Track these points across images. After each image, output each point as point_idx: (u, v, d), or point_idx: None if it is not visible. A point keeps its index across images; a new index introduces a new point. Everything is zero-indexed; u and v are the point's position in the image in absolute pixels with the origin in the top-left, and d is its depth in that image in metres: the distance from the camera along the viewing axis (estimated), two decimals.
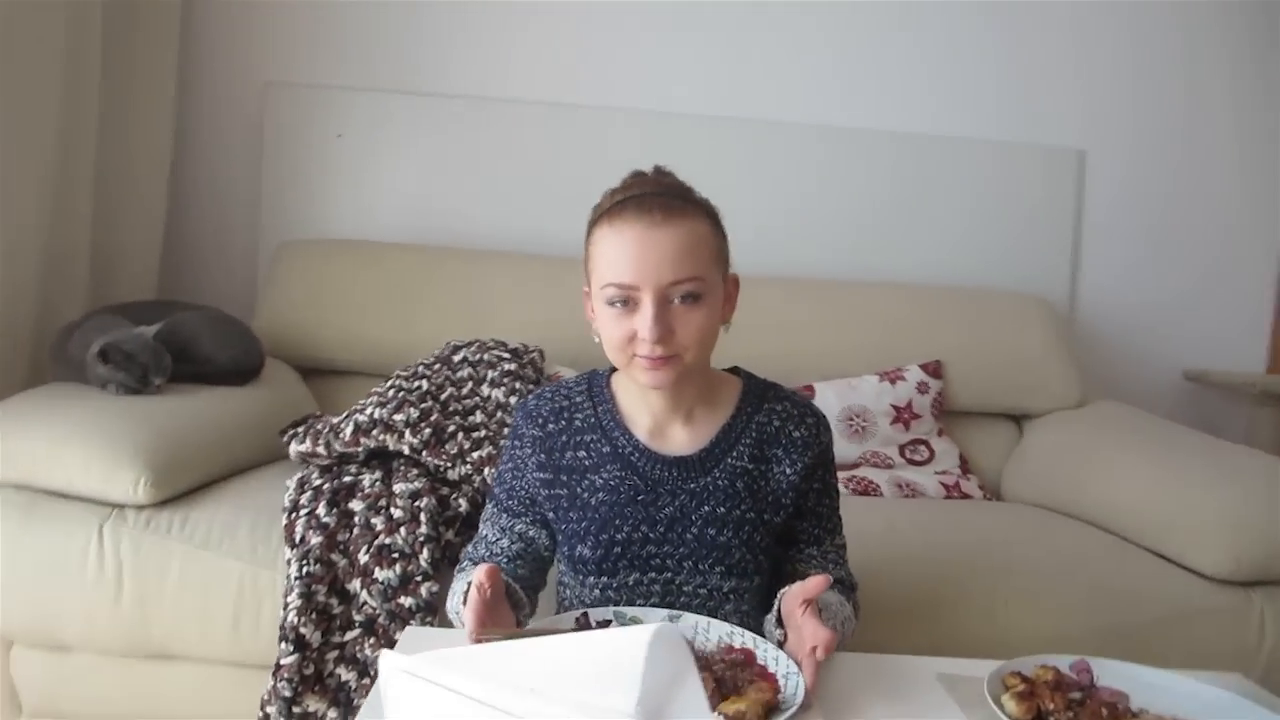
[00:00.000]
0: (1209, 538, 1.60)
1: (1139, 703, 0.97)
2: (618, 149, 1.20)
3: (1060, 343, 2.36)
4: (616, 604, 1.14)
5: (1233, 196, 2.72)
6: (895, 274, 2.51)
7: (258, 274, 2.39)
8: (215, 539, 1.50)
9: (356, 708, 1.33)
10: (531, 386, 1.73)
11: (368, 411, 1.57)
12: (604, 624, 1.04)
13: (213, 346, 1.88)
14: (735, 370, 1.24)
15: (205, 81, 2.42)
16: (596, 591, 1.15)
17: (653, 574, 1.14)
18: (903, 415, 2.18)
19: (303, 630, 1.37)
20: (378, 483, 1.50)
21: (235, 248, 2.47)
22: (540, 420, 1.18)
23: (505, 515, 1.20)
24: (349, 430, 1.54)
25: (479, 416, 1.62)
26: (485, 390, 1.70)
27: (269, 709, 1.38)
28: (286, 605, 1.39)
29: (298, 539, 1.43)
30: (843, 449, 2.13)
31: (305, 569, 1.39)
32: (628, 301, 1.06)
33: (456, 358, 1.78)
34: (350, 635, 1.39)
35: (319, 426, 1.59)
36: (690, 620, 1.08)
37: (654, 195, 1.09)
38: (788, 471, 1.16)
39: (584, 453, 1.16)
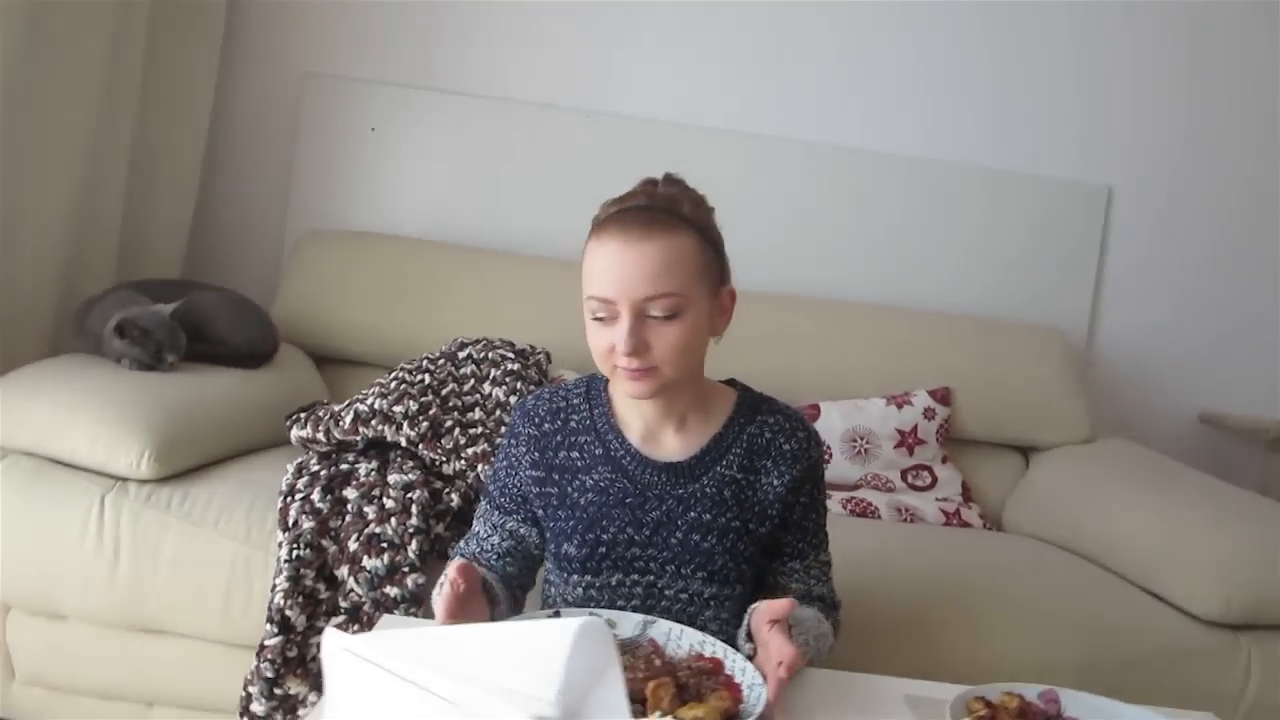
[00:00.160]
0: (1201, 578, 1.59)
1: None
2: (638, 158, 1.22)
3: (1072, 377, 2.34)
4: (599, 603, 1.15)
5: (1260, 240, 2.68)
6: (914, 299, 2.51)
7: (282, 261, 2.43)
8: (212, 517, 1.52)
9: None
10: (533, 387, 1.74)
11: (368, 401, 1.60)
12: None
13: (228, 328, 1.92)
14: (732, 382, 1.26)
15: (245, 69, 2.47)
16: (580, 590, 1.16)
17: (635, 576, 1.15)
18: (907, 440, 2.17)
19: (288, 613, 1.39)
20: (373, 472, 1.52)
21: (262, 234, 2.52)
22: (537, 420, 1.20)
23: (497, 512, 1.22)
24: (349, 419, 1.57)
25: (477, 414, 1.64)
26: (487, 388, 1.72)
27: (251, 689, 1.40)
28: (274, 587, 1.41)
29: (290, 522, 1.45)
30: (844, 470, 2.14)
31: (295, 553, 1.42)
32: (608, 314, 1.08)
33: (462, 354, 1.81)
34: (335, 621, 1.41)
35: (320, 413, 1.62)
36: (664, 627, 1.09)
37: (639, 210, 1.10)
38: (775, 483, 1.17)
39: (577, 453, 1.18)
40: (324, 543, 1.44)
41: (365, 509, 1.46)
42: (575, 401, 1.21)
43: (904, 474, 2.15)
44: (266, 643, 1.39)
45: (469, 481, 1.54)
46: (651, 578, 1.15)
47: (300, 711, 1.39)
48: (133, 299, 1.84)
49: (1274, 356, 2.72)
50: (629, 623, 1.09)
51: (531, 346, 1.94)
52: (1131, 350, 2.70)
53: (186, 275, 2.39)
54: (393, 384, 1.67)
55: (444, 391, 1.66)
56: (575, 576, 1.16)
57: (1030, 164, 2.60)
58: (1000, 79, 2.57)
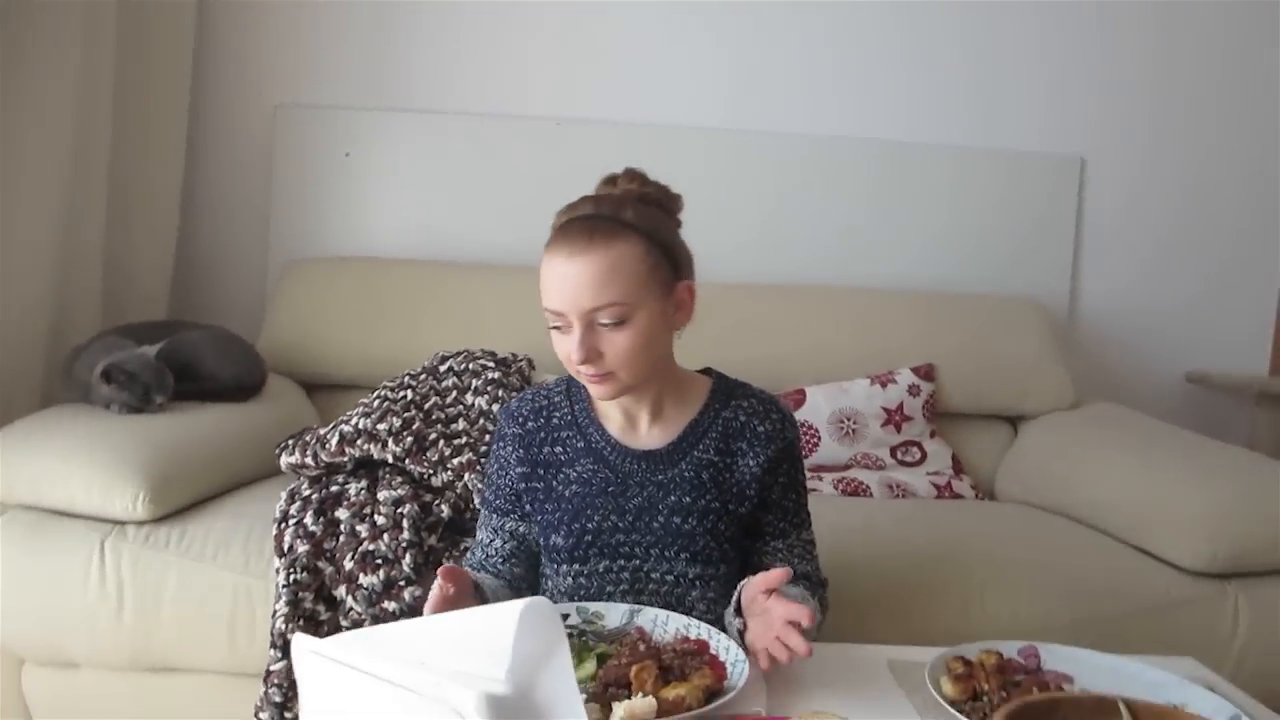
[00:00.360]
0: (1187, 532, 1.61)
1: (1083, 685, 0.99)
2: (609, 160, 1.25)
3: (1054, 345, 2.37)
4: (588, 590, 1.19)
5: (1235, 199, 2.71)
6: (894, 280, 2.53)
7: (266, 292, 2.46)
8: (211, 552, 1.54)
9: None
10: (515, 394, 1.77)
11: (353, 422, 1.62)
12: (561, 618, 1.07)
13: (215, 364, 1.94)
14: (708, 371, 1.29)
15: (216, 104, 2.50)
16: (569, 579, 1.20)
17: (621, 561, 1.19)
18: (894, 417, 2.19)
19: (290, 636, 1.41)
20: (363, 491, 1.55)
21: (245, 267, 2.54)
22: (520, 419, 1.25)
23: (495, 515, 1.26)
24: (335, 440, 1.60)
25: (461, 424, 1.67)
26: (469, 399, 1.75)
27: (262, 715, 1.43)
28: (275, 613, 1.43)
29: (286, 548, 1.48)
30: (833, 451, 2.16)
31: (292, 577, 1.44)
32: (562, 325, 1.12)
33: (443, 368, 1.83)
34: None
35: (307, 438, 1.65)
36: (650, 614, 1.12)
37: (582, 220, 1.13)
38: (751, 464, 1.21)
39: (560, 448, 1.22)
40: (320, 564, 1.47)
41: (358, 528, 1.48)
42: (557, 399, 1.26)
43: (893, 451, 2.18)
44: (271, 668, 1.42)
45: (458, 491, 1.56)
46: (637, 562, 1.19)
47: None
48: (118, 344, 1.86)
49: (1256, 313, 2.74)
50: (616, 613, 1.13)
51: (514, 355, 1.97)
52: (1115, 315, 2.72)
53: (172, 315, 2.41)
54: (376, 402, 1.69)
55: (427, 405, 1.69)
56: (564, 566, 1.20)
57: (1002, 139, 2.63)
58: (969, 57, 2.60)
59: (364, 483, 1.57)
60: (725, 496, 1.20)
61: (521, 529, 1.25)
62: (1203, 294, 2.72)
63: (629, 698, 0.90)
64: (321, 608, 1.45)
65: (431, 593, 0.99)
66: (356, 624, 1.44)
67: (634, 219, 1.14)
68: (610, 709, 0.88)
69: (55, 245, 2.02)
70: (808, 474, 2.05)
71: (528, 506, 1.24)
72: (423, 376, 1.80)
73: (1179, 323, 2.72)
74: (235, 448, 1.78)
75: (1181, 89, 2.66)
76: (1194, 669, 1.10)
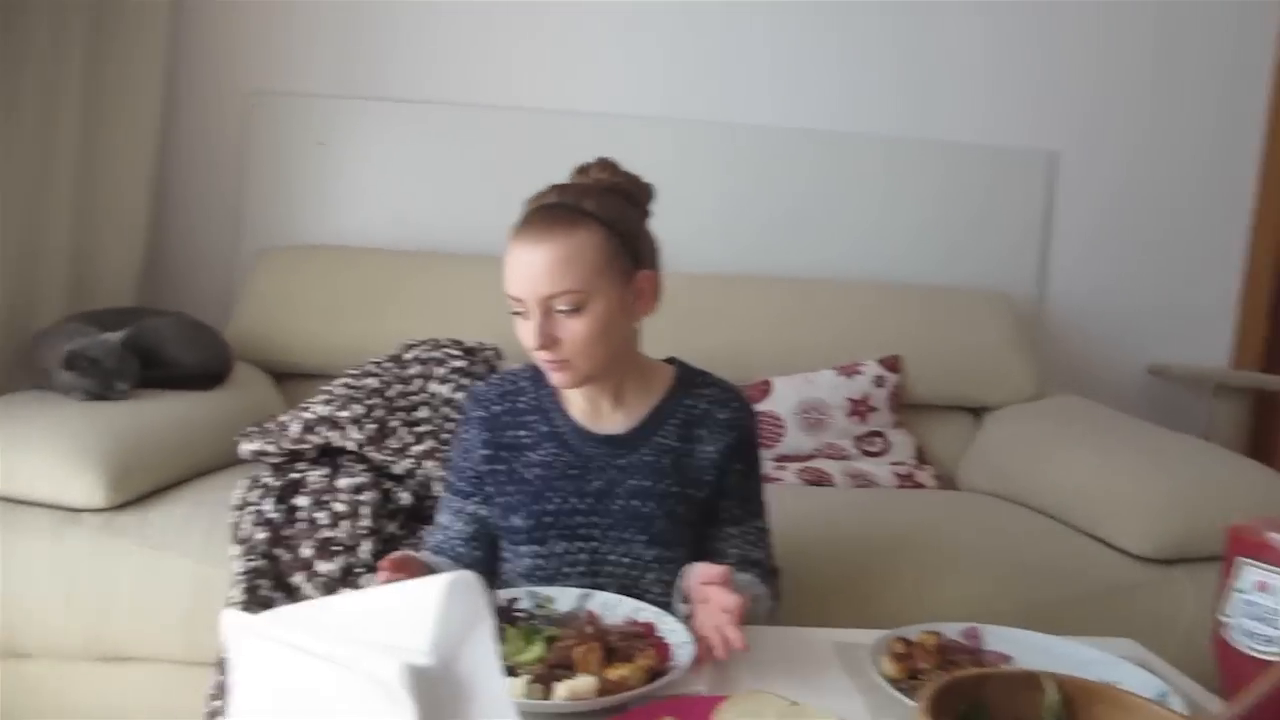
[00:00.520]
0: (1137, 518, 1.64)
1: (1021, 664, 1.01)
2: (579, 151, 1.26)
3: (1018, 337, 2.39)
4: (546, 572, 1.21)
5: (1200, 195, 2.75)
6: (864, 272, 2.55)
7: (237, 281, 2.45)
8: (169, 540, 1.54)
9: None
10: (473, 387, 1.77)
11: (314, 409, 1.62)
12: (511, 602, 1.08)
13: (180, 351, 1.94)
14: (672, 360, 1.31)
15: (191, 90, 2.48)
16: (528, 560, 1.22)
17: (580, 543, 1.21)
18: (859, 408, 2.21)
19: None
20: (324, 478, 1.55)
21: (217, 255, 2.52)
22: (486, 403, 1.27)
23: (457, 498, 1.28)
24: (295, 428, 1.60)
25: (424, 412, 1.68)
26: (433, 387, 1.75)
27: (215, 702, 1.43)
28: (230, 600, 1.43)
29: (242, 535, 1.48)
30: (798, 441, 2.18)
31: (250, 564, 1.44)
32: (523, 311, 1.14)
33: (408, 356, 1.84)
34: None
35: (269, 425, 1.65)
36: (601, 599, 1.13)
37: (543, 209, 1.16)
38: (710, 450, 1.23)
39: (524, 432, 1.24)
40: (277, 551, 1.47)
41: (316, 515, 1.49)
42: (523, 385, 1.28)
43: (857, 441, 2.20)
44: (226, 655, 1.42)
45: (419, 479, 1.57)
46: (595, 544, 1.21)
47: None
48: (82, 330, 1.85)
49: (1218, 307, 2.79)
50: (568, 598, 1.14)
51: (481, 344, 1.97)
52: (1081, 308, 2.76)
53: (141, 302, 2.39)
54: (338, 390, 1.69)
55: (389, 393, 1.69)
56: (523, 547, 1.22)
57: (977, 134, 2.65)
58: (945, 52, 2.62)
59: (325, 470, 1.57)
60: (684, 481, 1.22)
61: (482, 512, 1.26)
62: (1166, 288, 2.76)
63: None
64: (280, 595, 1.45)
65: (379, 579, 1.00)
66: None
67: (594, 208, 1.15)
68: (553, 689, 0.89)
69: (19, 228, 2.00)
70: (773, 464, 2.10)
71: (489, 489, 1.25)
72: (387, 364, 1.81)
73: (1142, 316, 2.77)
74: (198, 436, 1.78)
75: (1153, 87, 2.70)
76: (1132, 649, 1.12)
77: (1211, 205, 2.76)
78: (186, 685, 1.52)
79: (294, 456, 1.63)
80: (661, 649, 1.00)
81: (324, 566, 1.44)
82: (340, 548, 1.45)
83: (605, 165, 1.22)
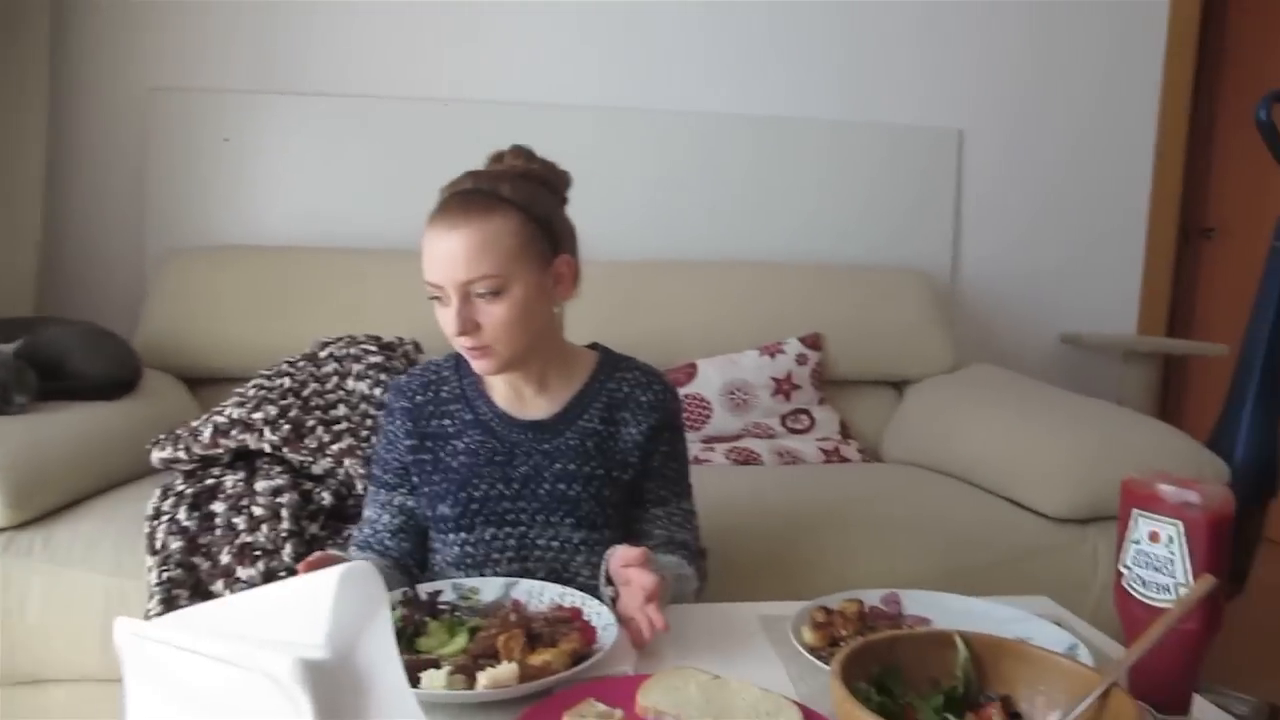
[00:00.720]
0: (1050, 481, 1.70)
1: (940, 626, 1.03)
2: (498, 141, 1.26)
3: (935, 312, 2.45)
4: (475, 559, 1.21)
5: (1104, 168, 2.85)
6: (783, 253, 2.59)
7: (144, 284, 2.37)
8: (78, 555, 1.48)
9: None
10: (395, 379, 1.75)
11: (226, 412, 1.58)
12: (433, 596, 1.07)
13: (82, 361, 1.86)
14: (595, 346, 1.32)
15: (84, 89, 2.39)
16: (456, 549, 1.22)
17: (508, 529, 1.21)
18: (783, 387, 2.24)
19: None
20: (240, 483, 1.51)
21: (120, 258, 2.44)
22: (409, 393, 1.26)
23: (383, 490, 1.27)
24: (207, 433, 1.55)
25: (342, 410, 1.64)
26: (350, 384, 1.72)
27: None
28: (148, 614, 1.39)
29: (158, 545, 1.43)
30: (725, 422, 2.20)
31: (165, 574, 1.40)
32: (442, 297, 1.14)
33: (323, 353, 1.80)
34: None
35: (180, 431, 1.60)
36: (526, 587, 1.12)
37: (459, 195, 1.16)
38: (634, 431, 1.24)
39: (448, 421, 1.24)
40: (195, 560, 1.43)
41: (234, 520, 1.45)
42: (445, 374, 1.27)
43: (783, 419, 2.23)
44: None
45: (339, 478, 1.54)
46: (523, 529, 1.21)
47: None
48: None
49: (1124, 277, 2.90)
50: (492, 587, 1.13)
51: (399, 338, 1.95)
52: (994, 281, 2.83)
53: (41, 311, 2.30)
54: (251, 391, 1.65)
55: (305, 392, 1.66)
56: (451, 535, 1.22)
57: (883, 113, 2.70)
58: (848, 33, 2.65)
59: (241, 474, 1.53)
60: (609, 464, 1.23)
61: (409, 504, 1.26)
62: (1075, 260, 2.86)
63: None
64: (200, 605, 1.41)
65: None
66: None
67: (510, 193, 1.15)
68: (475, 679, 0.88)
69: None
70: (701, 445, 2.12)
71: (415, 479, 1.24)
72: (301, 364, 1.76)
73: (1053, 287, 2.86)
74: (106, 447, 1.71)
75: (1054, 64, 2.78)
76: (1046, 607, 1.16)
77: (1113, 178, 2.86)
78: (107, 703, 1.47)
79: (208, 462, 1.58)
80: (587, 632, 1.00)
81: (245, 572, 1.40)
82: (261, 552, 1.42)
83: (520, 152, 1.22)
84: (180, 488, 1.53)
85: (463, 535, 1.21)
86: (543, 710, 0.84)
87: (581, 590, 1.10)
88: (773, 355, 2.27)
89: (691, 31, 2.59)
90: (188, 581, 1.41)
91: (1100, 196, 2.86)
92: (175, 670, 0.57)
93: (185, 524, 1.45)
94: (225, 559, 1.42)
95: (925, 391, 2.30)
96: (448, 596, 1.10)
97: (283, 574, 1.41)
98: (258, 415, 1.56)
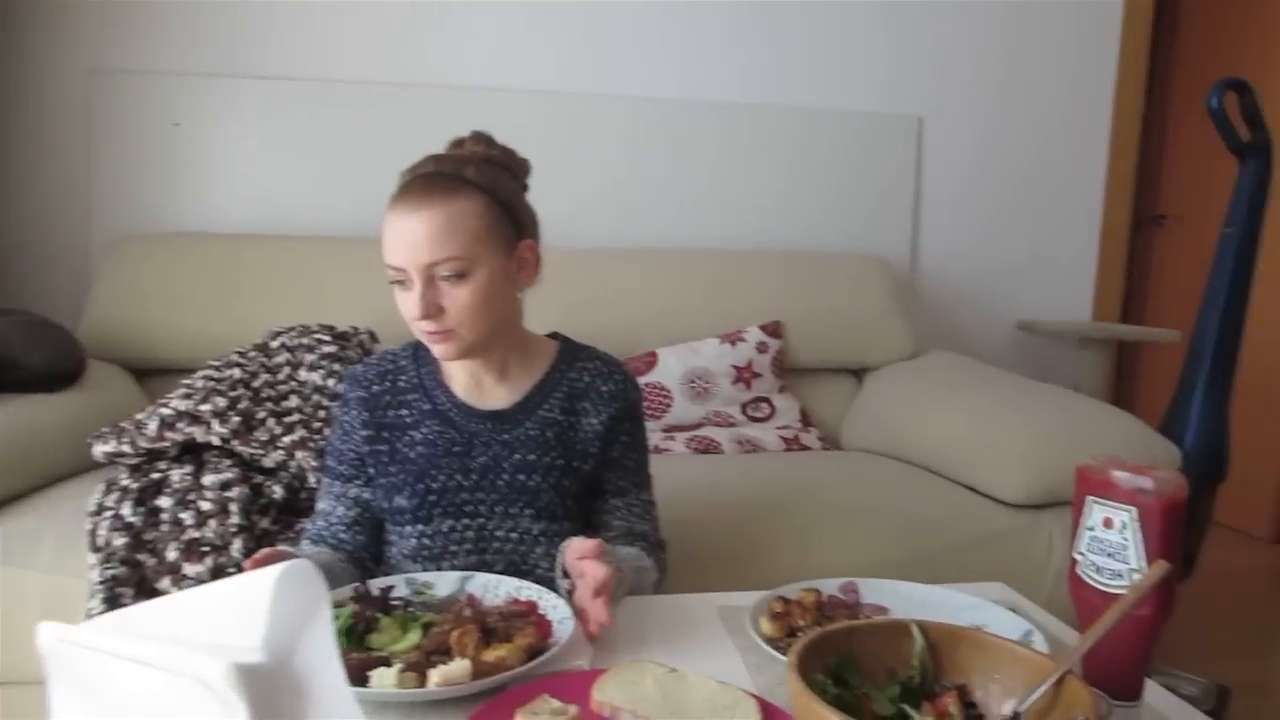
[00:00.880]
0: (1007, 467, 1.71)
1: (897, 615, 1.03)
2: (455, 126, 1.23)
3: (895, 299, 2.46)
4: (432, 552, 1.19)
5: (1059, 157, 2.88)
6: (743, 241, 2.59)
7: (89, 273, 2.30)
8: (17, 554, 1.43)
9: None
10: (350, 368, 1.71)
11: (173, 404, 1.53)
12: (385, 592, 1.05)
13: (21, 352, 1.80)
14: (555, 336, 1.30)
15: (21, 71, 2.31)
16: (413, 541, 1.20)
17: (466, 520, 1.19)
18: (743, 375, 2.24)
19: None
20: (188, 477, 1.47)
21: (65, 247, 2.37)
22: (365, 383, 1.23)
23: (338, 482, 1.24)
24: (153, 425, 1.51)
25: (294, 401, 1.60)
26: (302, 374, 1.68)
27: None
28: (89, 612, 1.35)
29: (100, 543, 1.39)
30: (686, 411, 2.19)
31: (109, 572, 1.36)
32: (404, 281, 1.11)
33: (274, 343, 1.76)
34: None
35: (124, 425, 1.55)
36: (481, 580, 1.10)
37: (422, 178, 1.14)
38: (594, 422, 1.23)
39: (406, 411, 1.22)
40: (140, 557, 1.38)
41: (181, 515, 1.41)
42: (403, 363, 1.25)
43: (743, 408, 2.22)
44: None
45: (291, 471, 1.50)
46: (481, 520, 1.19)
47: None
48: None
49: (1080, 265, 2.94)
50: (447, 582, 1.11)
51: (354, 328, 1.91)
52: (952, 268, 2.85)
53: None
54: (199, 382, 1.60)
55: (255, 384, 1.62)
56: (408, 528, 1.20)
57: (845, 100, 2.71)
58: (811, 21, 2.65)
59: (188, 468, 1.49)
60: (569, 454, 1.22)
61: (365, 496, 1.23)
62: (1032, 248, 2.89)
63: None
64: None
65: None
66: None
67: (475, 176, 1.14)
68: (427, 677, 0.86)
69: None
70: (661, 434, 2.11)
71: (371, 470, 1.22)
72: (252, 354, 1.72)
73: (1010, 275, 2.89)
74: (47, 441, 1.66)
75: (1012, 55, 2.80)
76: (1002, 593, 1.17)
77: (1068, 167, 2.89)
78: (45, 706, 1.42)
79: (154, 456, 1.54)
80: (543, 626, 0.98)
81: (192, 569, 1.36)
82: (209, 548, 1.38)
83: (480, 139, 1.21)
84: (125, 482, 1.48)
85: (420, 527, 1.19)
86: (495, 708, 0.82)
87: (540, 583, 1.09)
88: (733, 343, 2.26)
89: (651, 17, 2.57)
90: (132, 579, 1.37)
91: (1056, 185, 2.90)
92: (103, 677, 0.54)
93: (130, 520, 1.41)
94: (172, 555, 1.38)
95: (884, 379, 2.31)
96: (401, 591, 1.07)
97: (231, 570, 1.38)
98: (206, 407, 1.52)
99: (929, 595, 1.07)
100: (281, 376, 1.67)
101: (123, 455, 1.52)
